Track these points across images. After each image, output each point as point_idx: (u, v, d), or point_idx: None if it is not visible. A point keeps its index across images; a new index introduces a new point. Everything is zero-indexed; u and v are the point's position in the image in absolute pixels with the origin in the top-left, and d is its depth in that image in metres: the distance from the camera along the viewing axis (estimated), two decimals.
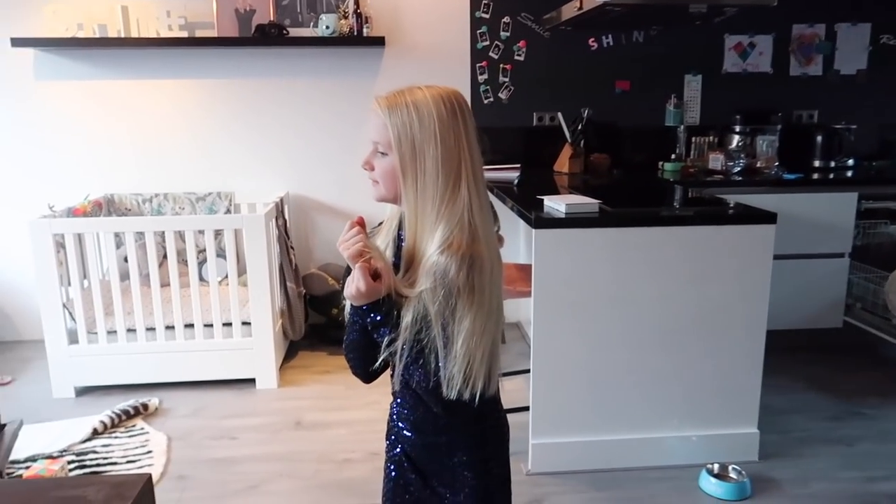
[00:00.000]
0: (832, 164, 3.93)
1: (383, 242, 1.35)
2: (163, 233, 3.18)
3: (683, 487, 2.46)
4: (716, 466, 2.50)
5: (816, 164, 3.96)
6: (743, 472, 2.45)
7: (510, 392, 3.20)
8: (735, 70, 4.01)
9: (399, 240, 1.35)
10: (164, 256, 3.42)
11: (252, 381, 3.27)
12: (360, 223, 1.29)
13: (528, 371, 2.76)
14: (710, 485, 2.43)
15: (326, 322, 3.78)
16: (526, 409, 2.63)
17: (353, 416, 3.00)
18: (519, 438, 2.74)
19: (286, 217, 3.66)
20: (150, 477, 1.09)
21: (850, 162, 3.97)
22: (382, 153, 1.32)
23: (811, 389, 3.25)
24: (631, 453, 2.57)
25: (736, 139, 3.92)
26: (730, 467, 2.49)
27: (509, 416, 2.80)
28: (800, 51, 4.02)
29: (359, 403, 3.13)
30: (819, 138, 3.95)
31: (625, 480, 2.51)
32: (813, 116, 4.10)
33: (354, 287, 1.22)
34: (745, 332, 2.51)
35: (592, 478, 2.52)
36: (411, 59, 3.87)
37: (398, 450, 1.41)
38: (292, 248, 3.58)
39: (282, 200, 3.61)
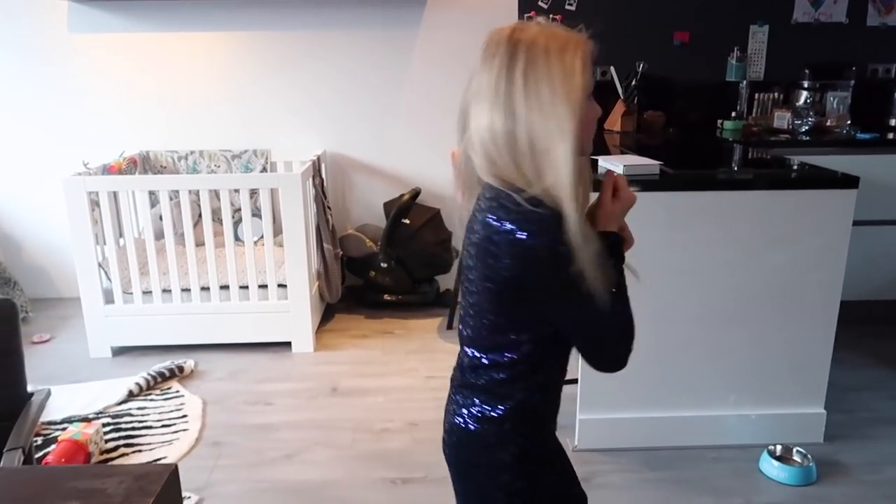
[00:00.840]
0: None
1: None
2: (198, 191, 3.08)
3: (742, 469, 2.30)
4: (778, 448, 2.33)
5: (893, 122, 3.65)
6: (808, 456, 2.28)
7: None
8: (806, 20, 3.69)
9: None
10: (200, 216, 3.33)
11: (288, 344, 3.19)
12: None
13: None
14: (771, 468, 2.27)
15: (364, 285, 3.68)
16: (574, 381, 2.49)
17: (391, 383, 2.90)
18: (566, 412, 2.62)
19: (323, 176, 3.53)
20: (175, 468, 0.98)
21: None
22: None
23: (880, 366, 3.04)
24: (685, 431, 2.42)
25: (804, 95, 3.62)
26: (794, 449, 2.32)
27: None
28: None
29: (396, 370, 3.03)
30: None
31: (678, 460, 2.36)
32: (890, 71, 3.77)
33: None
34: (818, 305, 2.31)
35: (644, 456, 2.38)
36: (454, 10, 3.65)
37: None
38: (329, 208, 3.46)
39: (319, 159, 3.48)
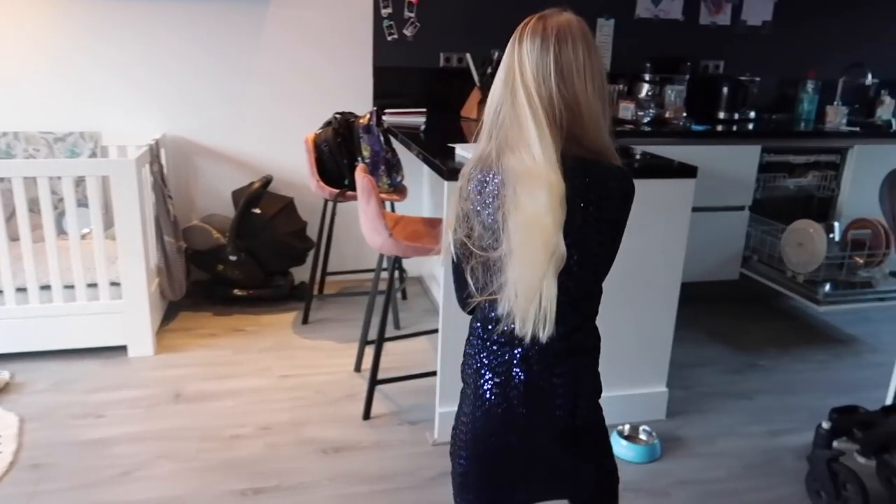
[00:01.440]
0: (736, 116, 3.92)
1: None
2: (10, 179, 2.70)
3: None
4: (626, 428, 2.43)
5: (721, 115, 3.94)
6: (653, 433, 2.40)
7: (415, 354, 3.02)
8: (647, 16, 3.89)
9: None
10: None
11: (123, 348, 2.90)
12: None
13: (435, 331, 2.57)
14: (620, 447, 2.36)
15: (211, 279, 3.43)
16: (433, 374, 2.45)
17: (242, 385, 2.72)
18: (425, 406, 2.60)
19: (162, 162, 3.23)
20: None
21: (752, 114, 3.98)
22: None
23: (714, 342, 3.28)
24: None
25: (646, 88, 3.82)
26: (640, 428, 2.44)
27: (414, 382, 2.65)
28: None
29: (248, 370, 2.84)
30: (724, 89, 3.92)
31: None
32: (719, 67, 4.06)
33: None
34: (661, 289, 2.43)
35: None
36: None
37: None
38: (170, 197, 3.18)
39: (157, 143, 3.18)
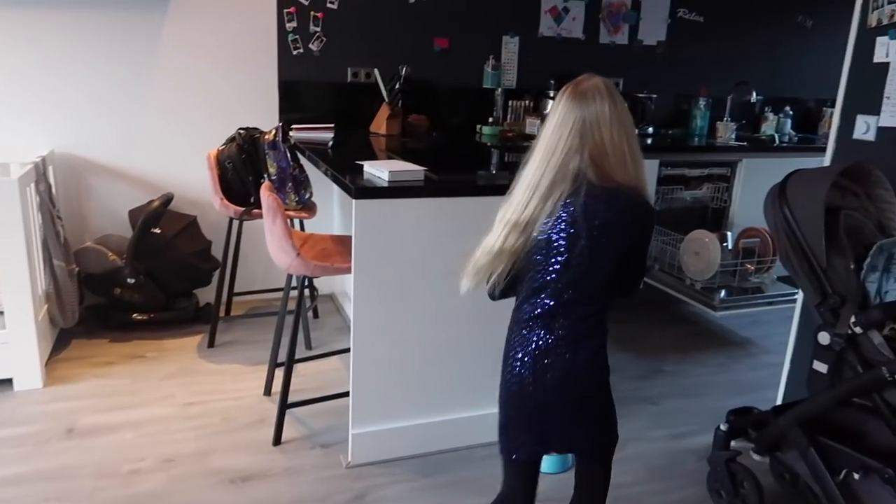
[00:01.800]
0: (636, 131, 4.09)
1: None
2: None
3: None
4: None
5: None
6: None
7: (327, 374, 2.96)
8: (550, 34, 4.00)
9: None
10: None
11: (9, 381, 2.69)
12: None
13: (347, 350, 2.53)
14: None
15: (108, 304, 3.24)
16: (345, 394, 2.41)
17: (142, 416, 2.58)
18: (338, 427, 2.54)
19: (50, 181, 3.03)
20: None
21: (650, 130, 4.16)
22: None
23: (620, 350, 3.38)
24: (457, 433, 2.45)
25: (550, 104, 3.92)
26: None
27: (326, 404, 2.59)
28: (609, 19, 4.10)
29: (149, 399, 2.70)
30: None
31: (451, 462, 2.39)
32: (619, 84, 4.23)
33: None
34: None
35: (418, 463, 2.37)
36: None
37: None
38: (59, 218, 2.98)
39: (44, 160, 2.98)
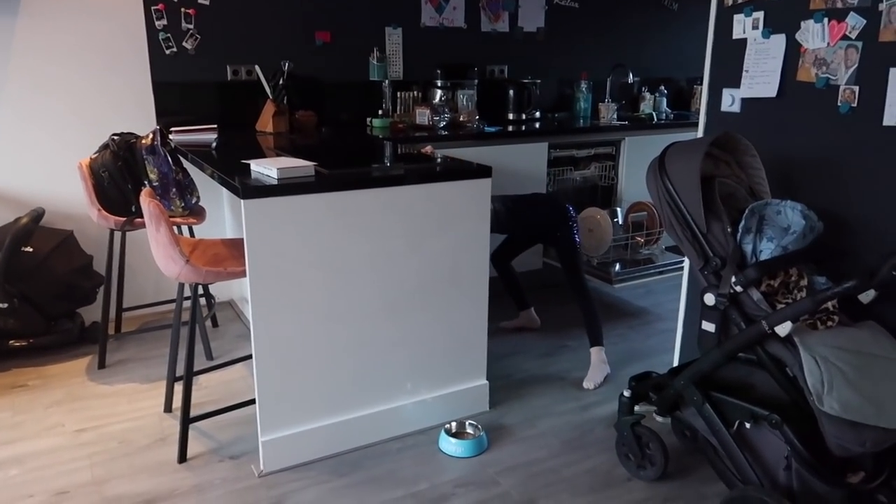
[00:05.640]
0: (523, 116, 4.19)
1: None
2: None
3: (425, 454, 2.40)
4: (454, 425, 2.48)
5: (511, 116, 4.18)
6: (479, 427, 2.47)
7: (231, 384, 2.85)
8: (433, 24, 4.01)
9: None
10: None
11: None
12: None
13: (249, 357, 2.44)
14: (449, 445, 2.40)
15: None
16: (252, 402, 2.32)
17: (28, 449, 2.39)
18: (247, 437, 2.45)
19: None
20: None
21: (537, 114, 4.27)
22: None
23: (523, 329, 3.46)
24: (370, 429, 2.43)
25: (439, 94, 3.94)
26: (466, 423, 2.50)
27: (233, 414, 2.50)
28: (489, 7, 4.16)
29: (34, 431, 2.50)
30: (511, 92, 4.16)
31: (366, 459, 2.36)
32: (504, 71, 4.31)
33: None
34: (471, 286, 2.51)
35: (334, 463, 2.33)
36: None
37: None
38: None
39: None
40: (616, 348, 3.28)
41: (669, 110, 4.72)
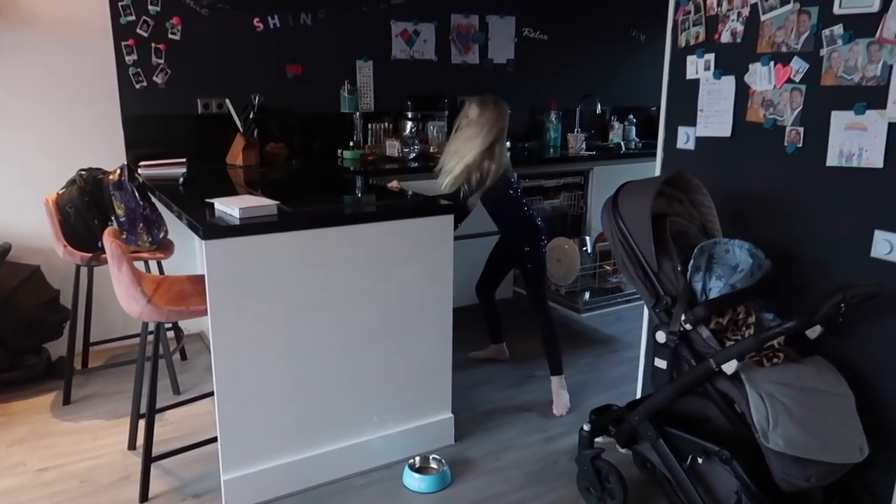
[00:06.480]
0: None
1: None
2: None
3: (389, 489, 2.40)
4: (417, 460, 2.50)
5: None
6: (443, 461, 2.48)
7: (198, 419, 2.85)
8: (403, 57, 4.08)
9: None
10: None
11: None
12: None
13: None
14: (412, 480, 2.41)
15: None
16: (215, 439, 2.32)
17: None
18: (210, 474, 2.45)
19: None
20: None
21: (508, 144, 4.32)
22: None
23: (492, 361, 3.48)
24: (335, 464, 2.44)
25: (409, 125, 3.99)
26: (430, 458, 2.51)
27: (196, 451, 2.49)
28: (459, 40, 4.24)
29: None
30: None
31: (330, 496, 2.36)
32: None
33: None
34: (434, 320, 2.53)
35: (298, 500, 2.33)
36: (33, 33, 3.14)
37: None
38: None
39: None
40: (584, 377, 3.31)
41: (638, 139, 4.81)
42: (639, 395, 2.71)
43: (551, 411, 2.95)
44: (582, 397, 3.08)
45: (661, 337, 1.92)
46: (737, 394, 1.80)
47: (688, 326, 1.87)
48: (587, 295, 3.57)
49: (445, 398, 2.65)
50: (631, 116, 4.84)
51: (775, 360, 1.85)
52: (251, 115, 3.52)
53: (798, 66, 2.04)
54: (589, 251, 3.78)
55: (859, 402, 1.86)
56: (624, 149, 4.54)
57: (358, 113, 3.91)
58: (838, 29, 1.91)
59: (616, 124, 4.77)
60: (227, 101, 3.51)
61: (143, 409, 2.51)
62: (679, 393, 1.94)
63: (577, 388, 3.17)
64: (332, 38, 3.83)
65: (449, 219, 2.50)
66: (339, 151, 3.85)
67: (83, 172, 2.90)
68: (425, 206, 2.51)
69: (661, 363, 1.95)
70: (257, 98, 3.55)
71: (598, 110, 4.58)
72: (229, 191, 2.80)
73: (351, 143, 3.88)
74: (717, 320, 1.89)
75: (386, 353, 2.46)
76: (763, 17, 2.11)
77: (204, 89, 3.56)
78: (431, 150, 3.96)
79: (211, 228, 2.07)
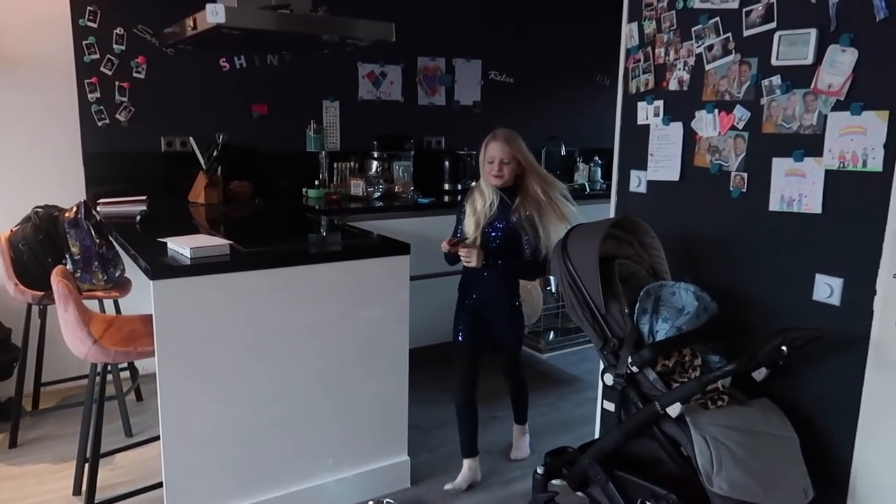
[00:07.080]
0: (459, 186, 4.28)
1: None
2: None
3: None
4: None
5: (446, 186, 4.28)
6: None
7: (149, 462, 2.78)
8: (370, 97, 4.13)
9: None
10: None
11: None
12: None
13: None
14: None
15: None
16: (160, 485, 2.27)
17: None
18: None
19: None
20: None
21: (473, 184, 4.36)
22: (507, 163, 2.57)
23: (451, 403, 3.45)
24: None
25: (375, 165, 4.02)
26: (384, 501, 2.47)
27: (142, 497, 2.43)
28: (425, 82, 4.30)
29: None
30: (447, 163, 4.28)
31: None
32: (441, 143, 4.43)
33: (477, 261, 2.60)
34: (390, 361, 2.52)
35: None
36: None
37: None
38: None
39: None
40: (545, 419, 3.29)
41: (603, 181, 4.88)
42: (596, 437, 2.70)
43: (510, 454, 2.93)
44: (541, 439, 3.06)
45: (608, 379, 1.93)
46: (682, 437, 1.81)
47: (634, 369, 1.87)
48: (551, 335, 3.58)
49: (401, 440, 2.62)
50: (597, 158, 4.92)
51: (720, 403, 1.87)
52: (214, 154, 3.52)
53: (741, 114, 2.10)
54: (553, 291, 3.80)
55: (805, 444, 1.87)
56: (588, 190, 4.60)
57: (324, 152, 3.93)
58: (776, 79, 1.98)
59: (581, 165, 4.85)
60: (191, 139, 3.52)
61: (89, 453, 2.45)
62: (626, 436, 1.93)
63: (538, 430, 3.15)
64: (299, 79, 3.88)
65: (404, 259, 2.51)
66: (304, 190, 3.86)
67: (39, 210, 2.87)
68: (380, 247, 2.52)
69: (609, 406, 1.95)
70: (221, 136, 3.56)
71: (564, 152, 4.66)
72: (188, 229, 2.78)
73: (316, 182, 3.89)
74: (664, 363, 1.91)
75: (340, 395, 2.43)
76: (707, 67, 2.17)
77: (168, 127, 3.56)
78: (396, 190, 3.98)
79: (159, 268, 2.05)
